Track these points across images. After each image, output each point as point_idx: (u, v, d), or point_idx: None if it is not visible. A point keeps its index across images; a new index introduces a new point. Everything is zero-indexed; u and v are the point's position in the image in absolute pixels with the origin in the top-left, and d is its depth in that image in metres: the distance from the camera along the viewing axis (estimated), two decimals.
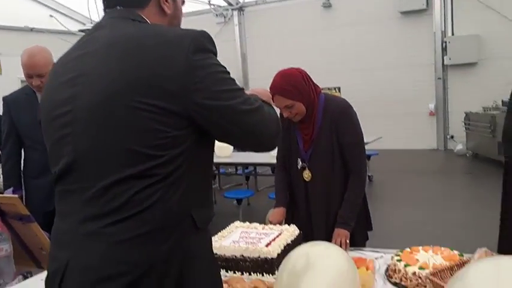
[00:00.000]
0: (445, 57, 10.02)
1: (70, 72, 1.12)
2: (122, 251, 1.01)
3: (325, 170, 2.17)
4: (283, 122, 2.23)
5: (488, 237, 4.46)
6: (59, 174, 1.13)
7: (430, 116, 10.65)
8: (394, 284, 1.67)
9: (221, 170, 6.54)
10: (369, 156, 7.55)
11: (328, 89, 11.38)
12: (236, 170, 6.84)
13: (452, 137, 10.59)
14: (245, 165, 5.95)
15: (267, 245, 1.83)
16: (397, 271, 1.68)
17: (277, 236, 1.93)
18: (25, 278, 2.04)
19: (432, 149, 10.68)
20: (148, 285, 1.01)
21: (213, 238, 1.99)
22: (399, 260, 1.71)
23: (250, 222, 2.21)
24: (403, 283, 1.64)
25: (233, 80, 1.11)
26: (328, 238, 2.09)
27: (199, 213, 1.10)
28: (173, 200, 1.04)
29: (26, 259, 2.29)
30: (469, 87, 9.95)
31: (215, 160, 4.23)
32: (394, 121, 10.69)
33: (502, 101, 8.46)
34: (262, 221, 2.23)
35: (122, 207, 1.01)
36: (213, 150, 1.18)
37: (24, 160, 2.91)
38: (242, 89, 1.12)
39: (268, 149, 1.20)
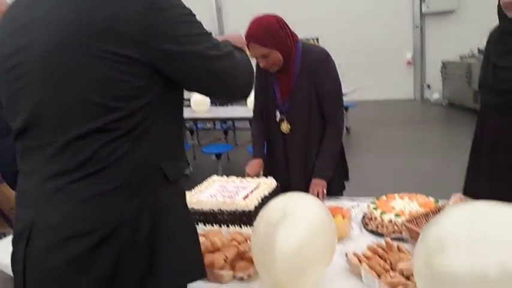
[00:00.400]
0: (422, 5, 9.91)
1: (21, 20, 1.02)
2: (88, 208, 0.97)
3: (303, 121, 2.14)
4: (260, 72, 2.17)
5: (461, 182, 4.63)
6: (17, 132, 1.06)
7: (408, 65, 10.66)
8: (371, 231, 1.68)
9: (199, 126, 6.46)
10: (346, 108, 7.56)
11: (307, 39, 11.17)
12: (214, 125, 6.76)
13: (429, 86, 10.67)
14: (223, 120, 5.89)
15: (244, 198, 1.82)
16: (373, 219, 1.70)
17: (255, 189, 1.92)
18: None
19: (409, 99, 10.77)
20: (120, 242, 0.98)
21: (190, 192, 1.98)
22: (375, 208, 1.73)
23: (232, 174, 2.19)
24: (379, 230, 1.66)
25: (199, 23, 1.03)
26: (307, 190, 2.09)
27: (170, 166, 1.06)
28: (140, 154, 1.00)
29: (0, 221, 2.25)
30: (446, 35, 9.91)
31: (193, 116, 4.15)
32: (371, 71, 10.67)
33: (478, 49, 8.48)
34: (242, 175, 2.21)
35: (86, 162, 0.96)
36: (182, 100, 1.13)
37: None
38: (210, 34, 1.05)
39: (241, 97, 1.15)
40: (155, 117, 1.01)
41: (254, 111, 2.34)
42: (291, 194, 1.42)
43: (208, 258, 1.45)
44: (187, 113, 5.58)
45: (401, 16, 10.30)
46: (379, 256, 1.40)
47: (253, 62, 1.46)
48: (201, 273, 1.18)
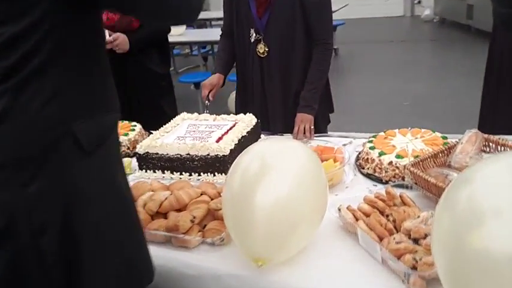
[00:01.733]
0: None
1: None
2: None
3: (284, 41, 1.79)
4: None
5: (456, 106, 4.38)
6: None
7: None
8: (367, 175, 1.43)
9: (175, 51, 5.96)
10: (334, 27, 7.08)
11: None
12: (191, 50, 6.25)
13: (419, 1, 10.10)
14: (201, 44, 5.41)
15: (217, 140, 1.53)
16: (369, 160, 1.44)
17: (231, 128, 1.62)
18: None
19: (399, 15, 10.23)
20: (14, 248, 0.69)
21: (154, 134, 1.68)
22: (372, 148, 1.46)
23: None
24: (377, 174, 1.40)
25: None
26: (288, 122, 1.80)
27: (87, 128, 0.74)
28: (32, 111, 0.67)
29: None
30: None
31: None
32: None
33: None
34: (225, 106, 1.90)
35: None
36: (100, 31, 0.78)
37: None
38: None
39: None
40: (53, 52, 0.67)
41: (222, 28, 1.98)
42: (271, 139, 1.14)
43: (172, 218, 1.19)
44: None
45: None
46: (379, 211, 1.15)
47: None
48: (149, 279, 0.91)
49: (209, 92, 1.88)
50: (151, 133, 1.80)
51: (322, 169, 1.12)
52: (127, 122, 1.93)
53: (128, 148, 1.77)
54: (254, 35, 1.81)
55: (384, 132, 1.55)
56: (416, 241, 1.02)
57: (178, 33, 4.89)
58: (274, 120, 1.89)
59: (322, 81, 1.83)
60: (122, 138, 1.78)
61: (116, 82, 2.16)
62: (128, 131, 1.84)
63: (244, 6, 1.80)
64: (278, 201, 1.00)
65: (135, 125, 1.90)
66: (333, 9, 6.43)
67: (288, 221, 1.01)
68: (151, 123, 1.90)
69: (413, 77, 5.61)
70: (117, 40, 2.09)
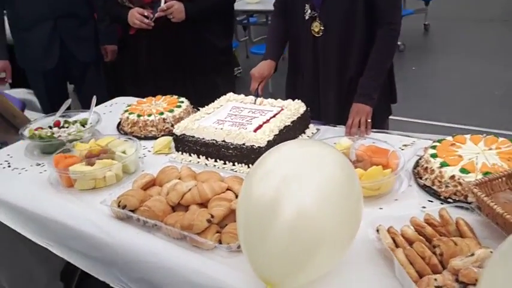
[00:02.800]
0: None
1: None
2: None
3: (342, 19, 1.58)
4: None
5: None
6: None
7: None
8: (423, 186, 1.21)
9: (251, 19, 5.78)
10: (427, 1, 6.46)
11: None
12: (267, 19, 6.05)
13: None
14: None
15: (256, 129, 1.39)
16: (429, 170, 1.21)
17: (274, 116, 1.47)
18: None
19: None
20: None
21: (193, 115, 1.58)
22: (434, 156, 1.23)
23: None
24: (435, 188, 1.18)
25: None
26: (341, 112, 1.61)
27: None
28: None
29: (5, 127, 2.04)
30: None
31: (245, 7, 3.57)
32: None
33: None
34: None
35: None
36: None
37: (8, 10, 2.46)
38: None
39: None
40: None
41: (274, 5, 1.79)
42: (301, 140, 0.98)
43: (188, 216, 1.08)
44: (239, 5, 4.97)
45: None
46: (426, 239, 0.95)
47: None
48: None
49: (259, 84, 1.70)
50: (199, 110, 1.71)
51: (356, 180, 0.94)
52: (175, 96, 1.85)
53: (172, 125, 1.69)
54: (309, 11, 1.61)
55: (452, 137, 1.31)
56: (464, 286, 0.82)
57: (255, 1, 4.73)
58: (326, 109, 1.70)
59: (384, 67, 1.59)
60: (166, 115, 1.70)
61: (170, 52, 2.09)
62: (174, 107, 1.75)
63: None
64: (299, 216, 0.84)
65: (182, 101, 1.81)
66: None
67: (309, 240, 0.85)
68: (204, 100, 1.80)
69: (509, 64, 4.96)
70: (171, 8, 1.99)
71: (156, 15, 2.00)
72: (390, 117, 1.84)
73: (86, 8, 2.48)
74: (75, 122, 1.72)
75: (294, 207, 0.85)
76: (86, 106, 1.87)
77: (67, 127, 1.68)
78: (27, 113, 2.19)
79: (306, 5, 1.61)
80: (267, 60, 1.75)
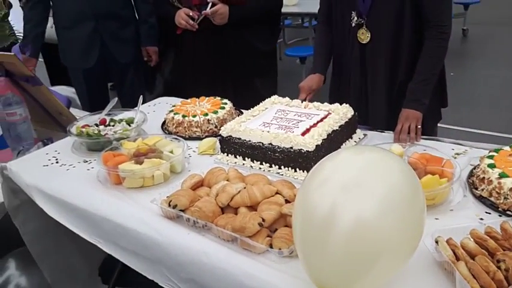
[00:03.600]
0: None
1: None
2: None
3: (390, 26, 1.55)
4: None
5: None
6: None
7: None
8: (480, 197, 1.17)
9: (286, 22, 5.77)
10: (467, 5, 6.30)
11: None
12: (303, 21, 6.01)
13: None
14: (314, 16, 5.14)
15: (304, 133, 1.38)
16: (486, 181, 1.17)
17: (322, 120, 1.45)
18: (45, 144, 1.84)
19: None
20: None
21: (239, 117, 1.57)
22: (492, 166, 1.18)
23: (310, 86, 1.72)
24: (493, 199, 1.14)
25: None
26: (389, 122, 1.58)
27: None
28: None
29: (51, 123, 2.09)
30: None
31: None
32: None
33: None
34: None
35: None
36: None
37: (53, 8, 2.53)
38: None
39: None
40: None
41: (319, 14, 1.77)
42: (360, 147, 0.95)
43: (239, 218, 1.08)
44: None
45: None
46: (489, 253, 0.91)
47: None
48: None
49: (307, 96, 1.70)
50: (242, 113, 1.70)
51: (420, 190, 0.91)
52: (219, 98, 1.86)
53: (216, 127, 1.70)
54: (355, 18, 1.59)
55: (510, 147, 1.26)
56: None
57: (292, 3, 4.72)
58: (374, 115, 1.67)
59: (434, 71, 1.55)
60: (210, 116, 1.71)
61: (213, 53, 2.10)
62: (218, 109, 1.76)
63: None
64: (360, 225, 0.82)
65: (226, 103, 1.81)
66: None
67: (369, 249, 0.83)
68: (244, 103, 1.80)
69: None
70: (216, 13, 2.00)
71: (200, 18, 2.03)
72: None
73: (127, 9, 2.52)
74: (121, 120, 1.74)
75: (354, 216, 0.83)
76: (125, 106, 1.90)
77: (113, 125, 1.71)
78: (72, 111, 2.25)
79: (353, 12, 1.59)
80: (316, 74, 1.74)
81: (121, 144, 1.52)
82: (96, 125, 1.73)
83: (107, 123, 1.74)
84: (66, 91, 2.66)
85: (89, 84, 2.61)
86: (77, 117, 1.87)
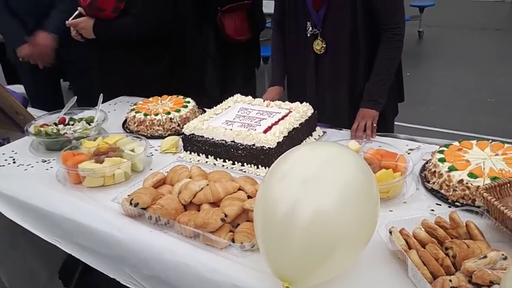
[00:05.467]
0: None
1: None
2: None
3: (345, 36, 1.59)
4: None
5: None
6: None
7: None
8: (431, 190, 1.24)
9: None
10: (422, 8, 6.55)
11: None
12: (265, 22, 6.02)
13: None
14: None
15: (266, 130, 1.41)
16: (437, 174, 1.24)
17: (283, 118, 1.49)
18: (1, 144, 1.79)
19: (498, 0, 9.26)
20: None
21: (202, 115, 1.59)
22: (442, 160, 1.25)
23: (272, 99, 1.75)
24: (443, 191, 1.21)
25: None
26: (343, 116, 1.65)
27: None
28: None
29: (7, 123, 2.02)
30: None
31: None
32: None
33: None
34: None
35: None
36: None
37: None
38: None
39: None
40: None
41: (272, 21, 1.81)
42: (316, 143, 0.99)
43: (202, 215, 1.09)
44: None
45: None
46: (438, 241, 0.97)
47: None
48: None
49: None
50: (205, 111, 1.71)
51: (374, 183, 0.96)
52: (182, 97, 1.86)
53: (179, 125, 1.70)
54: (310, 29, 1.62)
55: (459, 142, 1.34)
56: (478, 286, 0.85)
57: None
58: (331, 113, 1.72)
59: (390, 71, 1.61)
60: (173, 114, 1.71)
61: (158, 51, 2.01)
62: (181, 107, 1.76)
63: None
64: (318, 217, 0.86)
65: (189, 101, 1.82)
66: None
67: (328, 240, 0.87)
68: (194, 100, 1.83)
69: (503, 71, 5.05)
70: (78, 26, 1.97)
71: (74, 14, 1.98)
72: None
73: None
74: (81, 119, 1.71)
75: (313, 209, 0.86)
76: (82, 105, 1.85)
77: (72, 124, 1.68)
78: (30, 110, 2.18)
79: (308, 22, 1.62)
80: (275, 87, 1.78)
81: (81, 144, 1.50)
82: (55, 124, 1.69)
83: (66, 122, 1.71)
84: (23, 90, 2.58)
85: (37, 81, 2.52)
86: (35, 117, 1.83)
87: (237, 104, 1.65)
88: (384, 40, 1.58)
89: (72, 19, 1.99)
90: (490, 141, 1.32)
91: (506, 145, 1.28)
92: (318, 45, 1.64)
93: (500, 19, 7.99)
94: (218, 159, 1.44)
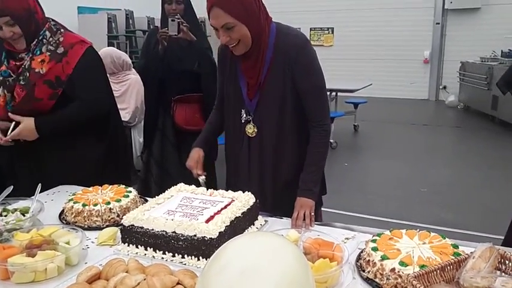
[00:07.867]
0: (446, 0, 9.36)
1: None
2: None
3: (273, 123, 1.76)
4: (225, 55, 1.79)
5: (478, 198, 4.17)
6: None
7: (424, 63, 10.15)
8: (366, 279, 1.28)
9: None
10: (356, 104, 7.12)
11: (321, 29, 10.74)
12: None
13: (445, 87, 10.19)
14: None
15: (208, 220, 1.42)
16: (371, 263, 1.29)
17: (226, 207, 1.51)
18: None
19: (423, 99, 10.28)
20: None
21: (143, 205, 1.58)
22: (375, 249, 1.31)
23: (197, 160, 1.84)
24: (377, 280, 1.25)
25: None
26: (280, 206, 1.74)
27: None
28: None
29: None
30: (468, 35, 9.38)
31: None
32: (385, 67, 10.19)
33: (502, 52, 7.97)
34: None
35: None
36: None
37: None
38: None
39: None
40: None
41: (217, 97, 1.96)
42: (253, 234, 1.02)
43: None
44: None
45: (423, 10, 9.77)
46: None
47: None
48: None
49: (197, 168, 1.84)
50: (147, 201, 1.70)
51: (310, 274, 0.99)
52: (123, 186, 1.85)
53: (118, 216, 1.67)
54: (244, 115, 1.78)
55: (390, 231, 1.42)
56: None
57: None
58: (264, 202, 1.79)
59: (321, 163, 1.76)
60: (112, 205, 1.68)
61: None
62: (121, 197, 1.74)
63: (237, 88, 1.78)
64: None
65: (130, 191, 1.81)
66: (357, 88, 6.62)
67: None
68: None
69: (433, 163, 5.48)
70: (21, 133, 1.94)
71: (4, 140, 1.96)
72: (324, 209, 1.99)
73: None
74: (15, 210, 1.64)
75: None
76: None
77: (5, 215, 1.60)
78: None
79: (242, 110, 1.78)
80: (195, 149, 1.89)
81: (13, 236, 1.43)
82: None
83: None
84: None
85: None
86: None
87: (180, 193, 1.67)
88: (314, 135, 1.74)
89: (11, 132, 1.94)
90: (418, 230, 1.41)
91: (431, 234, 1.38)
92: (250, 129, 1.79)
93: (427, 115, 8.81)
94: (158, 251, 1.42)
